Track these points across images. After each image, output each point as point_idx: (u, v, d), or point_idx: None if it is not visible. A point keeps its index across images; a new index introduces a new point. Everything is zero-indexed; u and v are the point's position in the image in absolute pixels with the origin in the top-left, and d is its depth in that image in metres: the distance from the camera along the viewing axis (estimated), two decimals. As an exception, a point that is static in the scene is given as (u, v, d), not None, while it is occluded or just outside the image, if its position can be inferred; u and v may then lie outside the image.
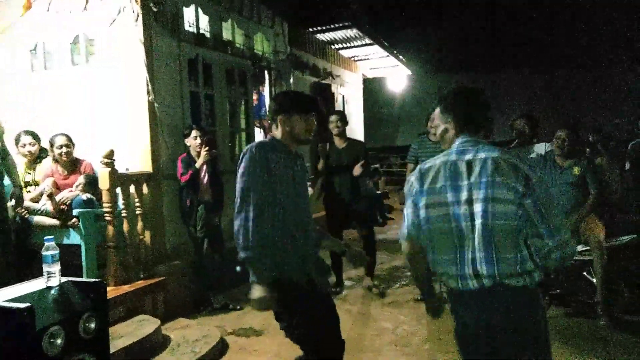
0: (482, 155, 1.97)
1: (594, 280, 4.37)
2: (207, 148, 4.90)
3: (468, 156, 1.99)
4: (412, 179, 2.11)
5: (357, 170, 5.24)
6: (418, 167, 2.13)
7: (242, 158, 2.39)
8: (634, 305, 4.29)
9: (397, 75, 13.61)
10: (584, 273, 4.47)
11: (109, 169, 4.37)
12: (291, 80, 7.85)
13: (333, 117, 5.46)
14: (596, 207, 4.43)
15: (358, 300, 5.29)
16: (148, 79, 4.89)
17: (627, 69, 13.65)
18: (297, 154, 2.57)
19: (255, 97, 7.41)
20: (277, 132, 2.51)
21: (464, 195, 1.93)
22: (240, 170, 2.37)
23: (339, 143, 5.44)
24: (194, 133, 4.97)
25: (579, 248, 4.39)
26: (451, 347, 3.97)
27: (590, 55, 13.88)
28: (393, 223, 10.47)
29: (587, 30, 13.36)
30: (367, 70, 12.54)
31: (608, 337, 4.07)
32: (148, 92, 4.91)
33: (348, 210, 5.38)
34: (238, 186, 2.36)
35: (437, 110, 2.20)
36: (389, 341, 4.23)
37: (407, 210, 2.10)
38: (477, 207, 1.90)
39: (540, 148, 4.97)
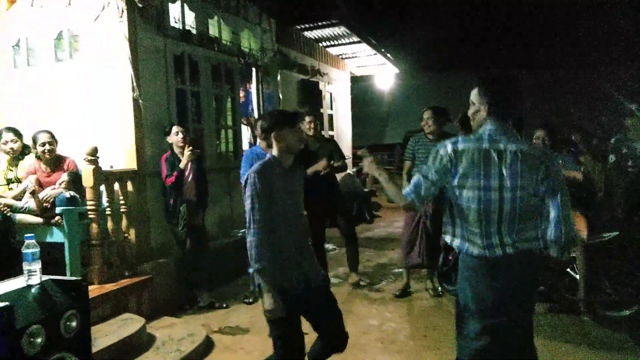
0: (512, 147, 2.21)
1: (578, 276, 4.43)
2: (190, 148, 4.85)
3: (499, 145, 2.22)
4: (442, 153, 2.27)
5: (321, 165, 5.11)
6: (450, 146, 2.26)
7: (246, 182, 2.65)
8: (616, 302, 4.34)
9: (384, 74, 13.60)
10: (568, 270, 4.52)
11: (93, 166, 4.33)
12: (278, 77, 7.83)
13: (308, 118, 5.37)
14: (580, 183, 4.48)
15: (344, 297, 5.29)
16: (133, 76, 4.84)
17: (610, 68, 13.83)
18: (295, 166, 2.82)
19: (242, 94, 7.38)
20: (274, 149, 2.75)
21: (494, 182, 2.20)
22: (247, 194, 2.64)
23: (312, 144, 5.38)
24: (174, 129, 4.92)
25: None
26: (436, 344, 4.00)
27: (573, 55, 14.03)
28: (380, 221, 10.50)
29: (571, 31, 13.50)
30: (355, 68, 12.53)
31: (590, 332, 4.13)
32: (133, 89, 4.86)
33: (329, 209, 5.37)
34: (246, 208, 2.63)
35: (475, 90, 2.35)
36: (375, 338, 4.24)
37: (425, 179, 2.28)
38: (507, 194, 2.19)
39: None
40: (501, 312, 2.25)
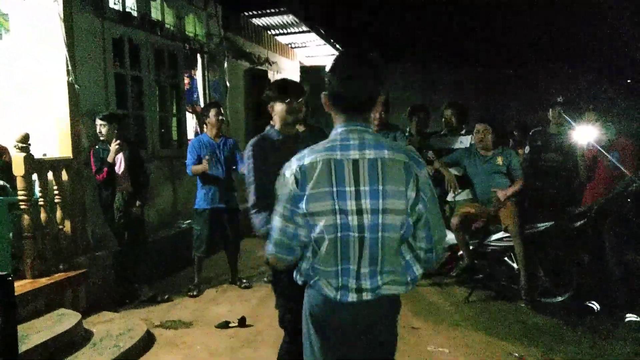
0: (370, 154, 1.70)
1: (515, 265, 4.60)
2: (117, 142, 4.64)
3: (353, 153, 1.70)
4: (287, 175, 1.74)
5: None
6: (296, 162, 1.74)
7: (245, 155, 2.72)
8: (550, 289, 4.55)
9: (334, 64, 13.62)
10: (505, 258, 4.69)
11: (24, 154, 4.09)
12: (225, 65, 7.66)
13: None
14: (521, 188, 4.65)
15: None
16: (68, 58, 4.58)
17: (548, 66, 14.47)
18: (297, 135, 2.91)
19: (187, 81, 7.18)
20: (275, 120, 2.81)
21: (351, 204, 1.68)
22: (246, 165, 2.70)
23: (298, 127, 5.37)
24: (97, 122, 4.74)
25: (500, 235, 4.59)
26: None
27: (516, 53, 14.57)
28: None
29: (512, 30, 14.02)
30: (304, 58, 12.48)
31: (526, 319, 4.30)
32: (68, 73, 4.61)
33: None
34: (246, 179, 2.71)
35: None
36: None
37: (278, 217, 1.77)
38: (367, 219, 1.69)
39: (466, 140, 5.13)
40: None
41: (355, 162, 1.69)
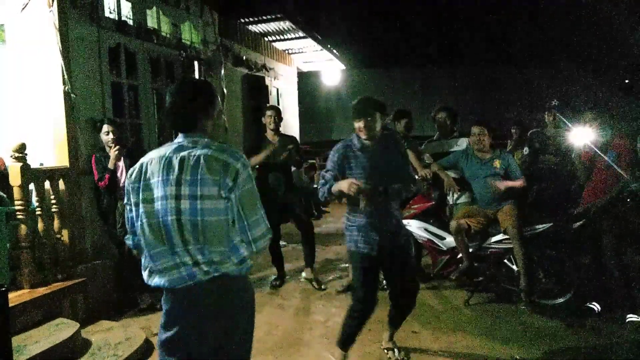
0: (196, 152, 1.97)
1: (515, 267, 4.58)
2: (117, 147, 4.66)
3: (183, 153, 1.99)
4: (133, 174, 2.06)
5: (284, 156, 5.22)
6: (140, 162, 2.08)
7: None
8: (550, 291, 4.53)
9: (331, 69, 13.63)
10: (505, 261, 4.67)
11: (20, 163, 4.07)
12: (222, 72, 7.67)
13: (269, 112, 5.43)
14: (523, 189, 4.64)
15: (291, 294, 5.26)
16: (64, 68, 4.59)
17: (545, 67, 14.49)
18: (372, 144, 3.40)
19: (184, 89, 7.17)
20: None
21: (170, 190, 1.95)
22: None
23: (272, 138, 5.39)
24: (104, 128, 4.73)
25: (499, 237, 4.58)
26: (380, 336, 4.03)
27: (513, 54, 14.62)
28: (328, 216, 10.54)
29: (511, 32, 14.07)
30: (301, 64, 12.50)
31: (527, 321, 4.28)
32: (64, 82, 4.61)
33: (283, 204, 5.33)
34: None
35: None
36: (320, 334, 4.23)
37: (129, 214, 2.09)
38: (185, 204, 1.93)
39: (462, 143, 5.13)
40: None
41: (183, 158, 1.97)
